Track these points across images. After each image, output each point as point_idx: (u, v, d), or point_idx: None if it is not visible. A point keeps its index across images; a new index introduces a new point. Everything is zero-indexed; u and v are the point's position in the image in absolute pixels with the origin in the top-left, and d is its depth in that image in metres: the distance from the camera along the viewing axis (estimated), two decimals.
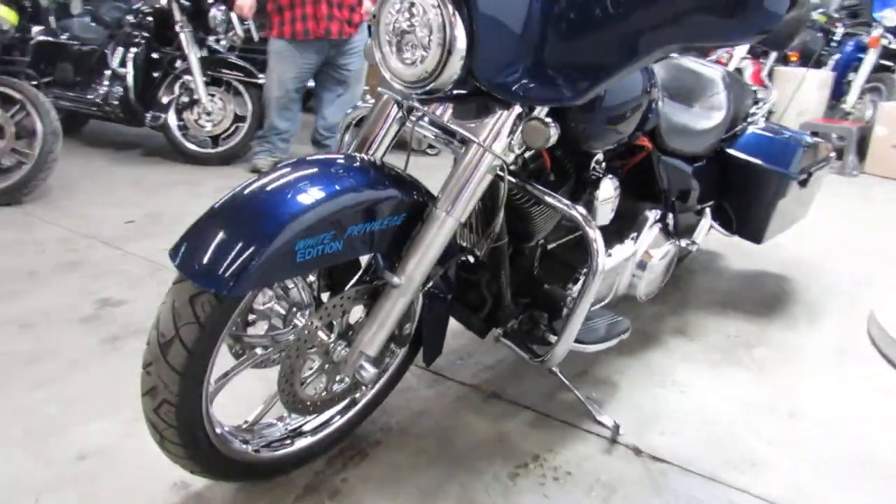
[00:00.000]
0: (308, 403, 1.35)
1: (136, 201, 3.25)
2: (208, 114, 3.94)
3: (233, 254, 1.06)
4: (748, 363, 2.01)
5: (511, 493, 1.44)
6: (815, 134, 4.16)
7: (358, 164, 1.27)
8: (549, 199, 1.37)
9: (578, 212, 1.35)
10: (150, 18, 3.93)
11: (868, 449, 1.64)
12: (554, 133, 1.22)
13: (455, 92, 1.24)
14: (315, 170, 1.19)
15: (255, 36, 4.57)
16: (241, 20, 4.16)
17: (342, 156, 1.30)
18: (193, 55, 3.81)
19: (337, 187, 1.17)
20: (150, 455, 1.27)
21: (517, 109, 1.24)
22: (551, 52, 1.18)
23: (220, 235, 1.09)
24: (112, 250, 2.62)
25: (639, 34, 1.13)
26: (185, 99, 3.91)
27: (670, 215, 1.96)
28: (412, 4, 1.16)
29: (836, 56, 5.18)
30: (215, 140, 4.02)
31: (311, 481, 1.46)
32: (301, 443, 1.46)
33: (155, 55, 3.94)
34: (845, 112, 4.76)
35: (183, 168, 3.91)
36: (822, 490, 1.49)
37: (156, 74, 3.94)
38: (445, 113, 1.30)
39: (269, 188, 1.15)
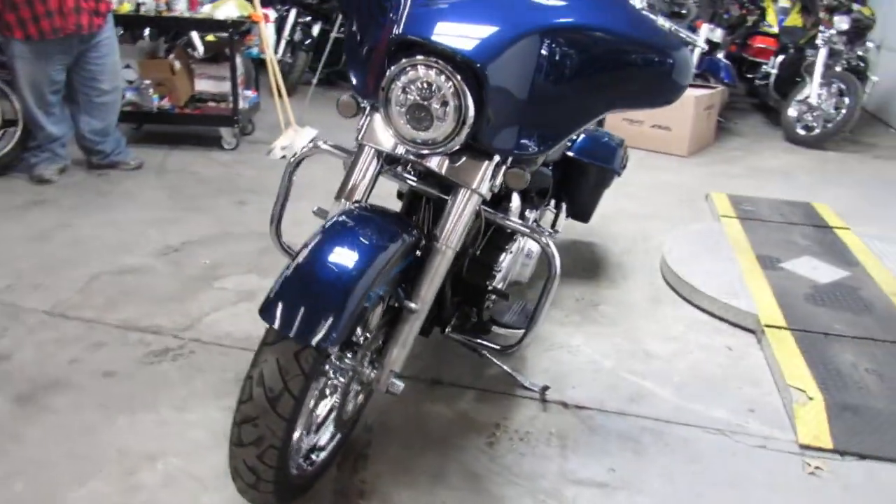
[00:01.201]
0: (346, 420, 1.57)
1: None
2: None
3: (326, 313, 1.26)
4: (600, 319, 2.59)
5: (496, 458, 1.81)
6: None
7: (380, 216, 1.49)
8: (510, 223, 1.72)
9: (536, 231, 1.72)
10: None
11: (705, 368, 2.29)
12: (528, 176, 1.57)
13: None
14: (362, 226, 1.40)
15: None
16: None
17: (367, 209, 1.50)
18: None
19: (382, 242, 1.40)
20: None
21: (497, 159, 1.56)
22: (537, 116, 1.51)
23: (310, 298, 1.27)
24: None
25: (597, 105, 1.53)
26: None
27: (537, 210, 2.43)
28: (430, 84, 1.40)
29: None
30: None
31: (337, 489, 1.67)
32: (321, 456, 1.66)
33: None
34: None
35: None
36: (690, 402, 2.10)
37: None
38: (434, 163, 1.56)
39: (335, 250, 1.34)
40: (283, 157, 4.39)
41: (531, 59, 1.44)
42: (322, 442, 1.68)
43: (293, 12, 6.23)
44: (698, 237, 3.19)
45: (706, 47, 5.39)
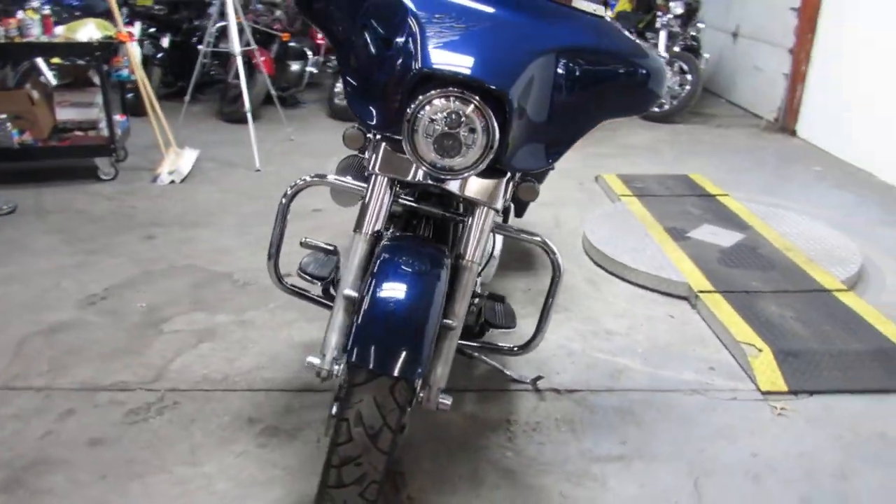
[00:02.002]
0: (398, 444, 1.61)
1: None
2: None
3: (411, 347, 1.31)
4: (556, 306, 2.76)
5: (520, 451, 1.93)
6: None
7: (419, 244, 1.55)
8: (523, 236, 1.82)
9: (540, 238, 1.84)
10: None
11: (659, 336, 2.54)
12: (539, 188, 1.69)
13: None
14: (413, 258, 1.44)
15: None
16: None
17: (404, 239, 1.54)
18: None
19: (434, 269, 1.46)
20: None
21: (508, 175, 1.65)
22: (548, 133, 1.61)
23: (395, 335, 1.31)
24: None
25: (595, 117, 1.67)
26: None
27: None
28: (458, 114, 1.46)
29: None
30: None
31: None
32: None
33: None
34: None
35: None
36: (659, 370, 2.33)
37: None
38: (453, 185, 1.63)
39: (400, 286, 1.37)
40: (172, 181, 4.18)
41: (542, 80, 1.55)
42: None
43: (138, 25, 5.85)
44: (610, 218, 3.47)
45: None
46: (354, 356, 1.29)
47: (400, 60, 1.52)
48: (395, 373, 1.29)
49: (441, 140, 1.48)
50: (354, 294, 1.56)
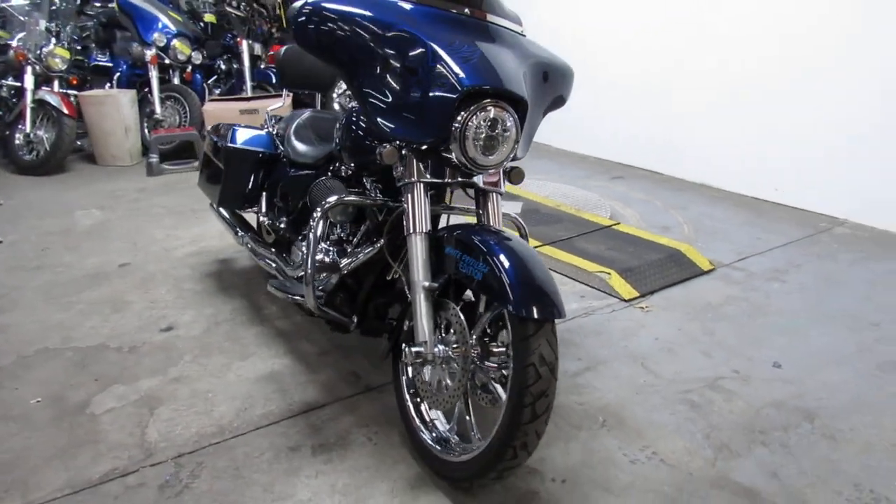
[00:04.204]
0: None
1: None
2: None
3: (553, 292, 1.66)
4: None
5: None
6: (166, 143, 5.07)
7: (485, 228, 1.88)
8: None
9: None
10: None
11: None
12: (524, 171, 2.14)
13: None
14: (500, 234, 1.77)
15: None
16: None
17: (469, 226, 1.85)
18: None
19: (517, 239, 1.82)
20: None
21: (505, 165, 2.07)
22: (531, 130, 2.06)
23: (538, 287, 1.63)
24: None
25: (544, 113, 2.16)
26: None
27: None
28: (496, 119, 1.82)
29: (117, 75, 5.89)
30: None
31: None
32: None
33: None
34: (158, 120, 5.64)
35: None
36: None
37: None
38: (478, 180, 1.98)
39: (511, 250, 1.67)
40: None
41: (531, 86, 2.01)
42: None
43: None
44: None
45: None
46: (525, 313, 1.59)
47: (437, 82, 1.79)
48: (556, 315, 1.64)
49: (486, 141, 1.84)
50: (435, 284, 1.84)
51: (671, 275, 3.18)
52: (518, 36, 2.07)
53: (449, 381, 1.84)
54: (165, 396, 2.35)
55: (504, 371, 1.80)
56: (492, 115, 1.80)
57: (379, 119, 1.85)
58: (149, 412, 2.26)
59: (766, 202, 4.37)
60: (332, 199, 2.03)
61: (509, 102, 1.83)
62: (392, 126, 1.83)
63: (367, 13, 1.85)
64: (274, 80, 6.31)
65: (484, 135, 1.81)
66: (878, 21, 3.67)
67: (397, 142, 1.87)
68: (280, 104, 5.41)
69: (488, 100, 1.80)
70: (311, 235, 2.03)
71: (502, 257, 1.68)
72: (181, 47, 5.77)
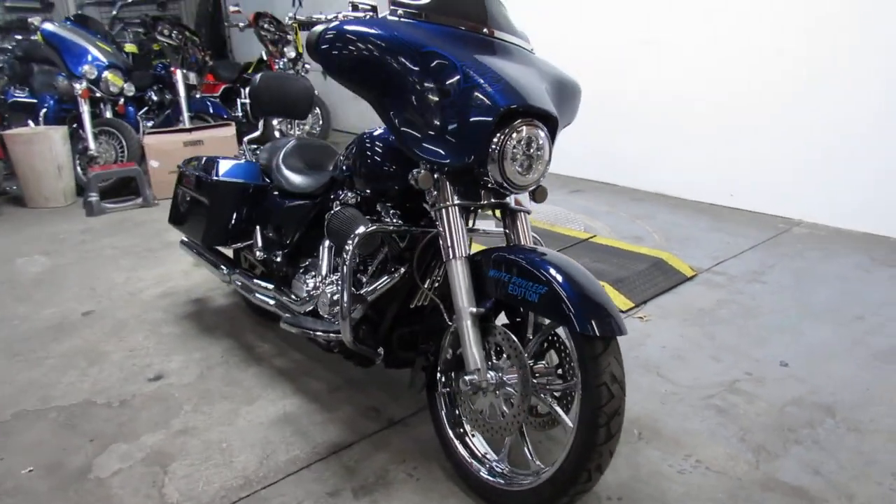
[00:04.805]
0: None
1: None
2: None
3: (611, 309, 1.64)
4: None
5: None
6: (104, 180, 4.83)
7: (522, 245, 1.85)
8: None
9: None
10: None
11: None
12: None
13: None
14: (542, 252, 1.74)
15: None
16: None
17: (533, 247, 1.81)
18: None
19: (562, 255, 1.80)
20: None
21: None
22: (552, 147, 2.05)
23: (597, 304, 1.60)
24: None
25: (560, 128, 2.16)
26: None
27: None
28: (532, 138, 1.80)
29: (43, 111, 5.53)
30: None
31: None
32: None
33: None
34: (93, 157, 5.33)
35: None
36: None
37: None
38: (510, 200, 1.95)
39: (562, 267, 1.65)
40: None
41: (555, 104, 2.00)
42: None
43: None
44: None
45: None
46: (591, 331, 1.56)
47: (473, 102, 1.75)
48: (620, 332, 1.62)
49: (523, 160, 1.82)
50: (482, 309, 1.79)
51: (659, 283, 3.24)
52: (530, 53, 2.06)
53: (505, 408, 1.79)
54: (175, 451, 2.18)
55: (555, 392, 1.78)
56: (526, 134, 1.78)
57: (412, 143, 1.80)
58: (161, 470, 2.09)
59: (724, 207, 4.55)
60: (363, 229, 1.95)
61: (539, 119, 1.82)
62: (427, 150, 1.78)
63: (394, 33, 1.81)
64: (212, 110, 6.11)
65: (520, 154, 1.79)
66: (823, 29, 3.90)
67: (429, 165, 1.82)
68: (229, 133, 5.26)
69: (522, 118, 1.78)
70: (344, 268, 1.94)
71: (558, 276, 1.65)
72: (113, 79, 5.48)
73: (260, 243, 2.63)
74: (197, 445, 2.20)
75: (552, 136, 1.88)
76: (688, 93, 4.57)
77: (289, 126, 6.44)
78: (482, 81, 1.76)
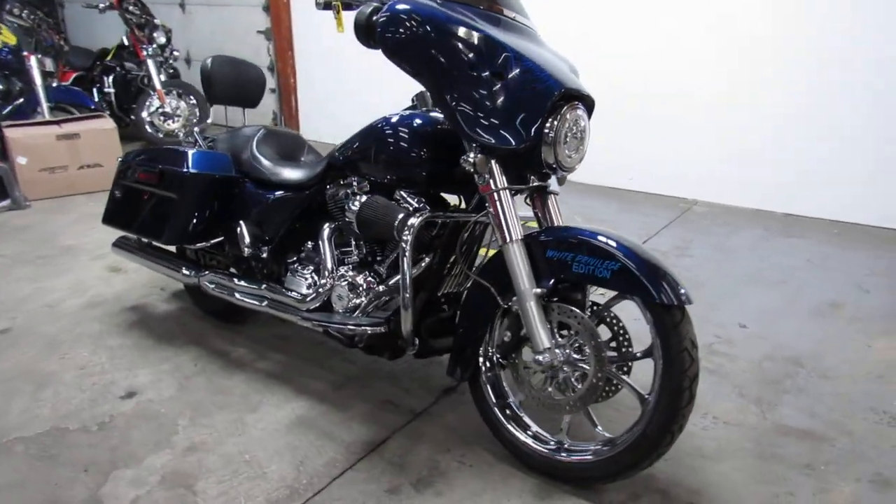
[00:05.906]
0: None
1: None
2: None
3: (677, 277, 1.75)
4: None
5: None
6: None
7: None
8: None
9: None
10: None
11: None
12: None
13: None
14: (593, 229, 1.80)
15: None
16: None
17: (583, 227, 1.85)
18: None
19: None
20: None
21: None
22: None
23: (667, 277, 1.71)
24: None
25: None
26: None
27: None
28: (577, 120, 1.85)
29: None
30: None
31: None
32: None
33: None
34: None
35: None
36: None
37: None
38: (552, 181, 1.99)
39: (632, 245, 1.74)
40: None
41: None
42: None
43: None
44: None
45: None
46: (669, 301, 1.64)
47: (528, 86, 1.77)
48: (690, 301, 1.72)
49: (572, 141, 1.88)
50: (544, 290, 1.83)
51: None
52: (538, 34, 2.11)
53: (578, 384, 1.83)
54: (193, 470, 1.99)
55: (627, 363, 1.86)
56: (573, 117, 1.84)
57: (470, 126, 1.79)
58: (188, 491, 1.90)
59: (626, 191, 4.89)
60: (416, 218, 1.89)
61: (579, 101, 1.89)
62: (487, 133, 1.78)
63: (448, 14, 1.79)
64: (77, 101, 5.50)
65: (570, 136, 1.84)
66: (726, 17, 4.32)
67: (480, 149, 1.82)
68: (107, 125, 4.79)
69: (569, 101, 1.83)
70: (404, 259, 1.88)
71: (627, 252, 1.73)
72: None
73: (247, 239, 2.44)
74: (216, 461, 2.02)
75: (589, 116, 1.95)
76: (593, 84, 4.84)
77: (161, 119, 6.00)
78: (533, 64, 1.79)
